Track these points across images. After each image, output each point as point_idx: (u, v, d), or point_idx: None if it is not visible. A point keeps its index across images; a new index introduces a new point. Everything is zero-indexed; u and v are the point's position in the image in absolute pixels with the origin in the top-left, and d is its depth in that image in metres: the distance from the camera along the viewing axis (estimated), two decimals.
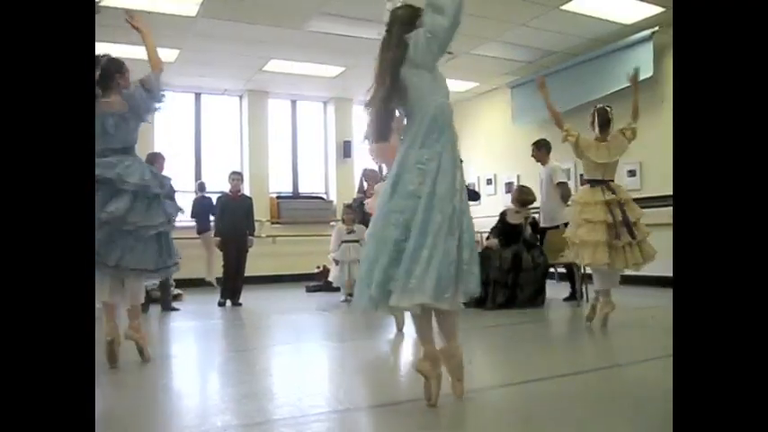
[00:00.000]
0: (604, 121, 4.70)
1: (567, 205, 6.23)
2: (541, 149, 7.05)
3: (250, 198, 7.85)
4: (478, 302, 6.24)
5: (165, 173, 6.84)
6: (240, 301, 7.26)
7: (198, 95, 10.58)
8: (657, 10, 7.15)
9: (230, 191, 7.54)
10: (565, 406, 2.74)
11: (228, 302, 7.23)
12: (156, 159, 6.77)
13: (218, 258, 8.12)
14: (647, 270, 4.60)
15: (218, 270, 8.29)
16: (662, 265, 4.27)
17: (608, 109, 4.78)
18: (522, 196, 6.67)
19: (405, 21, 2.75)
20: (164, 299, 6.79)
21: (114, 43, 7.94)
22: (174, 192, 3.97)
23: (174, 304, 6.98)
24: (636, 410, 2.61)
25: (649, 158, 7.70)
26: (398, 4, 2.81)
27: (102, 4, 6.76)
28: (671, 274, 1.64)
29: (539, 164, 7.15)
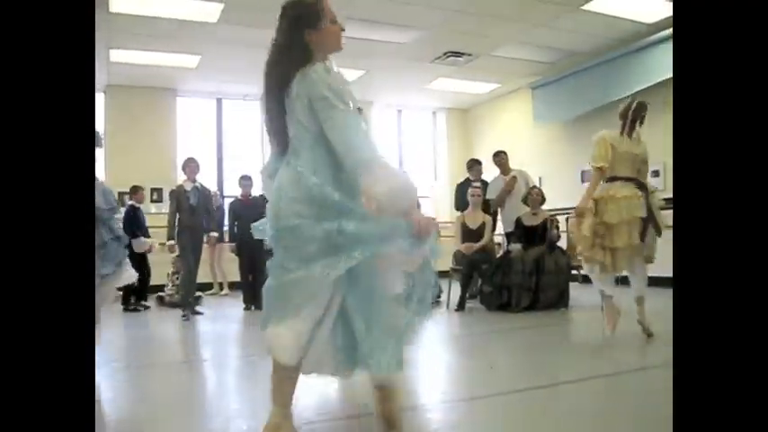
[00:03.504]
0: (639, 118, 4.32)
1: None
2: (503, 158, 7.53)
3: (263, 200, 7.85)
4: (503, 306, 6.26)
5: (198, 177, 6.92)
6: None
7: (219, 101, 10.68)
8: None
9: (241, 195, 7.58)
10: (588, 410, 2.71)
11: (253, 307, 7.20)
12: (187, 165, 6.83)
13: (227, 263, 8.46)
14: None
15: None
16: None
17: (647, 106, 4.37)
18: (539, 197, 6.64)
19: None
20: (187, 303, 6.74)
21: (127, 50, 8.08)
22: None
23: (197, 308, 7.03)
24: (661, 414, 2.57)
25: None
26: None
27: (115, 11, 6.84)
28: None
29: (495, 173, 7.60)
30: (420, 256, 2.04)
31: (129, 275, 3.79)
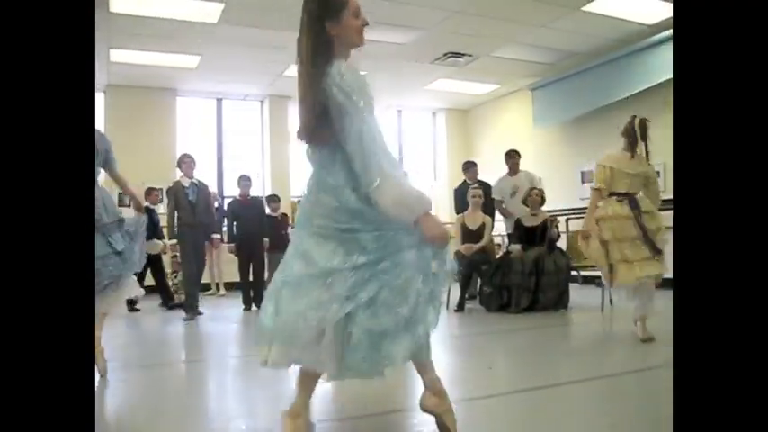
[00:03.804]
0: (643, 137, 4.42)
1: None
2: (517, 160, 7.48)
3: (261, 200, 7.83)
4: (502, 307, 6.26)
5: (195, 174, 6.77)
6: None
7: (219, 101, 10.69)
8: None
9: (240, 195, 7.49)
10: (588, 411, 2.71)
11: (254, 306, 7.13)
12: (183, 161, 6.72)
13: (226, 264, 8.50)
14: None
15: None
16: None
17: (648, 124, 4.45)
18: (538, 198, 6.63)
19: None
20: (189, 304, 6.62)
21: (127, 50, 8.09)
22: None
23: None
24: (661, 414, 2.57)
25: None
26: None
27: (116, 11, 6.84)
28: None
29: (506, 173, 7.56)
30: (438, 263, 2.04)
31: (131, 289, 3.67)
